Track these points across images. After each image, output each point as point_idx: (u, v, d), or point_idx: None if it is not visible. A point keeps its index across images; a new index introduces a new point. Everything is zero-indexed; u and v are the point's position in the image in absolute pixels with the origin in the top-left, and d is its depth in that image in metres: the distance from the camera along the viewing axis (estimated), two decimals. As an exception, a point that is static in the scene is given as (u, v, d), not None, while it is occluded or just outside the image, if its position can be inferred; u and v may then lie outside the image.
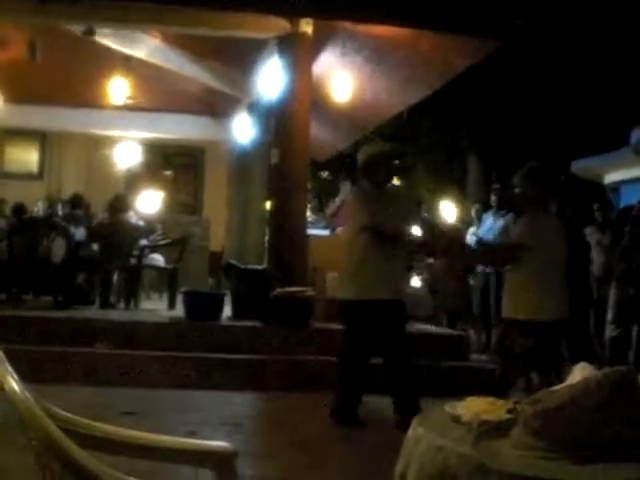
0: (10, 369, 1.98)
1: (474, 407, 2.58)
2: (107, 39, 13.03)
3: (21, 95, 15.89)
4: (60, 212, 12.41)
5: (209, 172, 18.40)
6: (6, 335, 7.73)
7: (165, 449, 2.29)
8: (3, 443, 5.45)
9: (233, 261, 11.42)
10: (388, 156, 7.73)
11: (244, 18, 10.58)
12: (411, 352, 7.33)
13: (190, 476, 2.48)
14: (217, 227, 16.99)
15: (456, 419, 2.60)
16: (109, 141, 17.50)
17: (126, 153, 17.58)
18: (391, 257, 7.16)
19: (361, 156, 7.40)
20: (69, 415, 2.25)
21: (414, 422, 2.67)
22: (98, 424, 2.32)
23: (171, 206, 17.86)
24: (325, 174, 22.87)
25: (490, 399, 2.75)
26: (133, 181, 17.39)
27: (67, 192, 14.84)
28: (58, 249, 11.14)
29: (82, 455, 1.80)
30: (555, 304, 6.40)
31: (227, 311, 10.39)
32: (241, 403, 8.25)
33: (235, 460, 2.41)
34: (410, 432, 2.64)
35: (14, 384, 1.91)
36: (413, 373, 7.20)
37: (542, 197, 6.61)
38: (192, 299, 10.05)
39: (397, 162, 8.01)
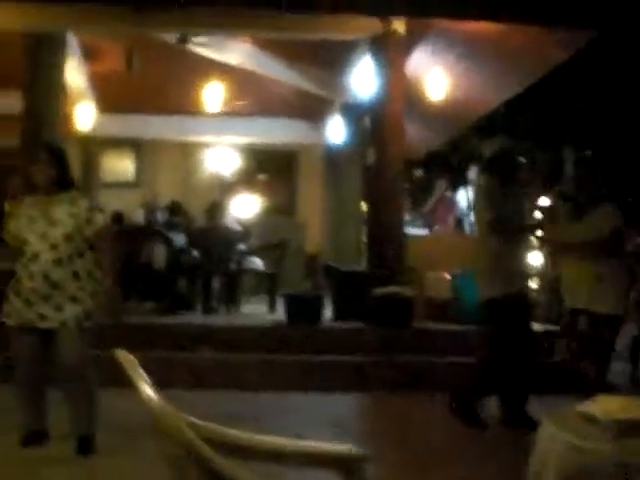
0: (145, 375, 1.99)
1: (609, 406, 2.52)
2: (200, 46, 13.15)
3: (117, 105, 16.16)
4: (160, 219, 12.58)
5: (303, 175, 18.44)
6: (110, 341, 7.84)
7: (296, 453, 2.28)
8: (128, 448, 5.55)
9: (332, 263, 11.43)
10: (512, 152, 7.64)
11: (336, 20, 10.57)
12: (535, 349, 7.25)
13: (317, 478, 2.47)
14: (312, 229, 17.04)
15: (591, 418, 2.54)
16: (203, 147, 17.69)
17: (220, 158, 17.76)
18: (520, 250, 7.12)
19: (487, 151, 7.34)
20: (199, 422, 2.26)
21: (545, 421, 2.62)
22: (228, 430, 2.32)
23: (266, 210, 17.98)
24: (419, 172, 22.71)
25: (622, 398, 2.69)
26: (228, 186, 17.54)
27: (164, 199, 15.03)
28: (159, 256, 11.32)
29: (221, 462, 1.80)
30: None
31: (327, 313, 10.41)
32: (344, 405, 8.25)
33: (365, 464, 2.39)
34: (542, 431, 2.60)
35: (150, 390, 1.92)
36: (532, 371, 7.06)
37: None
38: (293, 302, 10.09)
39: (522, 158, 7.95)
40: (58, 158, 5.34)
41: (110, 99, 15.98)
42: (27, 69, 13.21)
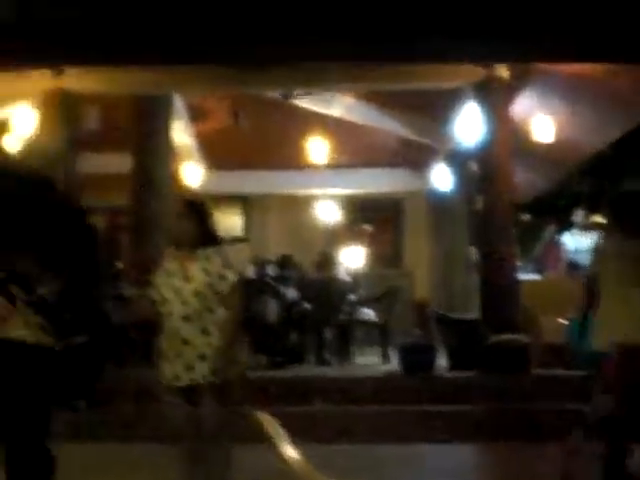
0: (285, 434, 1.99)
1: None
2: (304, 101, 13.32)
3: (224, 162, 16.46)
4: (270, 273, 12.68)
5: (408, 223, 18.39)
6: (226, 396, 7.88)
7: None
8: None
9: (443, 311, 11.34)
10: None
11: (439, 69, 10.59)
12: None
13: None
14: (420, 277, 16.96)
15: None
16: (309, 200, 17.80)
17: (326, 210, 17.86)
18: None
19: (613, 195, 7.04)
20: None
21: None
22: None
23: (373, 260, 17.96)
24: (526, 217, 22.44)
25: None
26: (335, 237, 17.60)
27: (272, 253, 15.16)
28: (271, 309, 11.40)
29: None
30: None
31: (441, 362, 10.31)
32: (461, 455, 8.13)
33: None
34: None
35: (291, 450, 1.91)
36: None
37: None
38: (406, 352, 10.03)
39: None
40: (199, 214, 5.43)
41: (216, 156, 16.30)
42: (136, 131, 13.61)
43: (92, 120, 12.16)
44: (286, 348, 11.49)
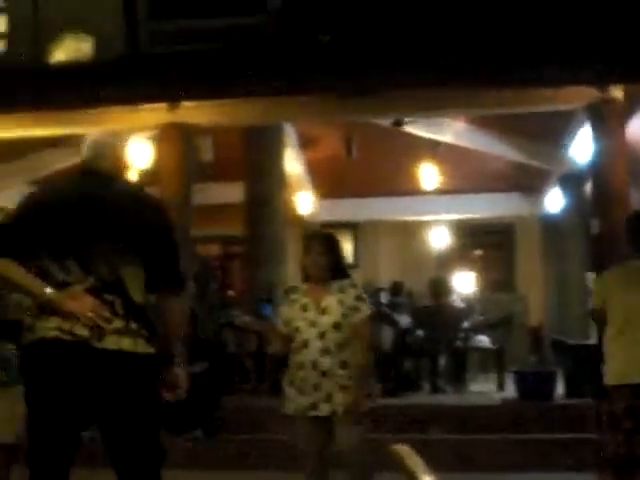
0: (424, 466, 1.98)
1: None
2: (414, 127, 13.33)
3: (335, 190, 16.60)
4: (383, 300, 12.67)
5: (521, 248, 18.20)
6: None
7: None
8: None
9: (559, 337, 11.14)
10: None
11: (550, 92, 10.46)
12: None
13: None
14: (534, 302, 16.74)
15: None
16: (420, 226, 17.79)
17: (437, 236, 17.81)
18: None
19: None
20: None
21: None
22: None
23: (485, 285, 17.82)
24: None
25: None
26: (445, 263, 17.52)
27: (382, 279, 15.17)
28: (385, 337, 11.38)
29: None
30: None
31: (559, 388, 10.13)
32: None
33: None
34: None
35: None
36: None
37: None
38: (524, 379, 9.89)
39: None
40: (331, 247, 5.45)
41: (327, 184, 16.43)
42: (249, 161, 13.83)
43: (206, 151, 12.39)
44: (400, 375, 11.45)
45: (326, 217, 16.99)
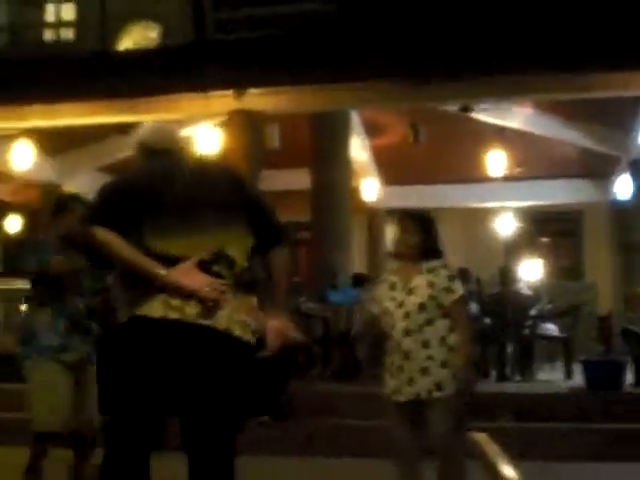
0: (502, 453, 1.97)
1: None
2: (481, 113, 13.21)
3: (400, 177, 16.55)
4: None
5: (589, 235, 18.00)
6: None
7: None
8: None
9: (632, 327, 10.97)
10: None
11: (619, 77, 10.31)
12: None
13: None
14: (603, 291, 16.51)
15: None
16: (486, 213, 17.66)
17: (503, 223, 17.67)
18: None
19: None
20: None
21: None
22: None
23: (552, 273, 17.64)
24: None
25: None
26: (512, 251, 17.38)
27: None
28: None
29: None
30: None
31: (628, 378, 10.01)
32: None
33: None
34: None
35: (510, 470, 1.89)
36: None
37: None
38: (593, 368, 9.76)
39: None
40: (424, 227, 5.33)
41: (393, 171, 16.39)
42: (315, 147, 13.85)
43: (273, 138, 12.42)
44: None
45: (391, 204, 16.93)
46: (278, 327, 3.70)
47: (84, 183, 13.92)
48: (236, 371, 3.48)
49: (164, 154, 3.82)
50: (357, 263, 15.83)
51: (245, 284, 3.63)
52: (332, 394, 9.73)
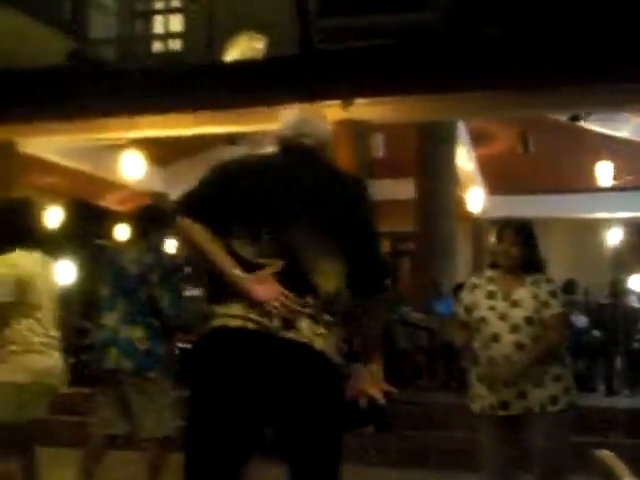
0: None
1: None
2: (591, 122, 12.98)
3: (506, 187, 16.37)
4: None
5: (702, 246, 17.50)
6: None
7: None
8: None
9: None
10: None
11: None
12: None
13: None
14: None
15: None
16: (594, 224, 17.36)
17: (612, 234, 17.33)
18: None
19: None
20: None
21: None
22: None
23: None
24: None
25: None
26: (623, 262, 17.01)
27: (554, 278, 14.84)
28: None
29: None
30: None
31: None
32: None
33: None
34: None
35: None
36: None
37: None
38: None
39: None
40: (525, 238, 5.23)
41: (499, 181, 16.23)
42: (421, 157, 13.82)
43: (378, 147, 12.44)
44: (574, 377, 11.17)
45: (496, 213, 16.74)
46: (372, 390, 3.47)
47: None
48: (324, 383, 3.26)
49: (293, 151, 3.52)
50: (462, 273, 15.71)
51: (335, 314, 3.33)
52: (439, 405, 9.66)
